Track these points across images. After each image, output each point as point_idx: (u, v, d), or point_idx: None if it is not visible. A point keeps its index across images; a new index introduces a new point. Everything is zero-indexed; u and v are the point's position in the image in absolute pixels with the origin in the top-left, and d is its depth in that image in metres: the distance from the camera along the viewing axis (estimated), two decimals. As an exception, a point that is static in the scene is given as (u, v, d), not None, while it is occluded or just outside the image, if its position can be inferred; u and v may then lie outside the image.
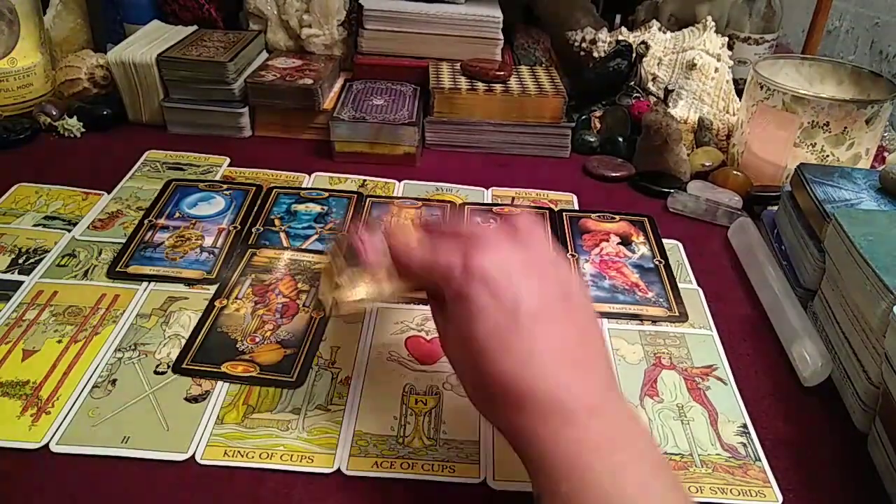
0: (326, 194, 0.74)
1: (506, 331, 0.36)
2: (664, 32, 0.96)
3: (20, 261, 0.61)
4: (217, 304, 0.58)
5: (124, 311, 0.56)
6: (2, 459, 0.44)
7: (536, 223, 0.43)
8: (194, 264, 0.62)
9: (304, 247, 0.66)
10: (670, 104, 0.91)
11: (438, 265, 0.40)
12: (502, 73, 0.88)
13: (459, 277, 0.38)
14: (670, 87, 0.92)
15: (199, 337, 0.54)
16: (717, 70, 0.90)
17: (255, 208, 0.71)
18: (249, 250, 0.64)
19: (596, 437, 0.34)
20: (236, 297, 0.58)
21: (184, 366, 0.51)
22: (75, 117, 0.84)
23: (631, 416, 0.37)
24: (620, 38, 0.96)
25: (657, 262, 0.67)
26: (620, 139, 0.87)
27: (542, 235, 0.42)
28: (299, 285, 0.60)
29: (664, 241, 0.70)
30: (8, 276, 0.59)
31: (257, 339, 0.54)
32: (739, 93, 0.87)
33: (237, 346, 0.54)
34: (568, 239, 0.69)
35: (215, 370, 0.51)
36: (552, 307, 0.38)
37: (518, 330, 0.36)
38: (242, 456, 0.45)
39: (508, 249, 0.40)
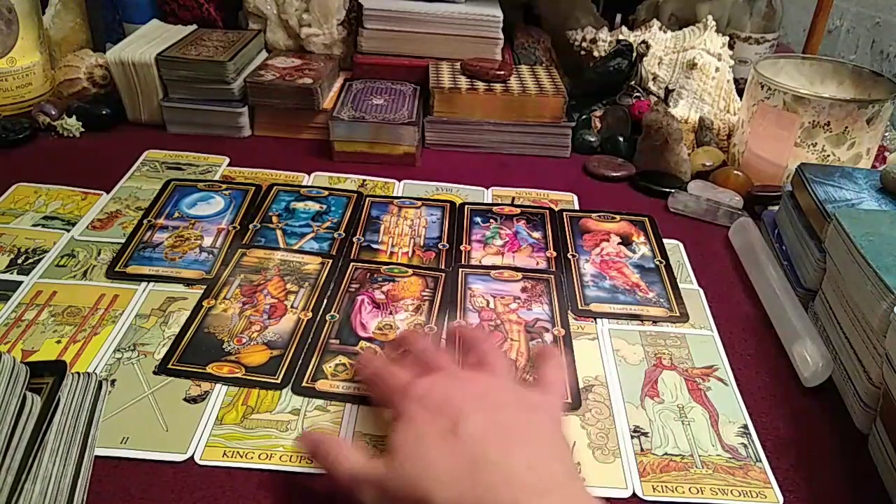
0: (326, 193, 0.74)
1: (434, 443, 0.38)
2: (665, 32, 0.96)
3: (19, 261, 0.61)
4: (205, 303, 0.57)
5: (123, 311, 0.56)
6: (0, 460, 0.44)
7: (499, 353, 0.48)
8: (193, 264, 0.62)
9: (298, 245, 0.66)
10: (671, 104, 0.90)
11: (387, 384, 0.45)
12: (502, 72, 0.88)
13: (400, 398, 0.42)
14: (671, 87, 0.92)
15: (186, 337, 0.54)
16: (717, 70, 0.90)
17: (255, 207, 0.71)
18: (240, 250, 0.64)
19: None
20: (225, 298, 0.58)
21: (169, 366, 0.51)
22: (74, 117, 0.84)
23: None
24: (621, 37, 0.96)
25: (658, 263, 0.67)
26: (621, 139, 0.87)
27: (504, 365, 0.47)
28: (288, 286, 0.60)
29: (665, 241, 0.70)
30: (7, 276, 0.59)
31: (244, 340, 0.54)
32: (740, 92, 0.87)
33: (223, 346, 0.53)
34: (568, 239, 0.69)
35: (200, 371, 0.51)
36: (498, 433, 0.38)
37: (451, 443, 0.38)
38: (242, 456, 0.45)
39: (461, 379, 0.44)
